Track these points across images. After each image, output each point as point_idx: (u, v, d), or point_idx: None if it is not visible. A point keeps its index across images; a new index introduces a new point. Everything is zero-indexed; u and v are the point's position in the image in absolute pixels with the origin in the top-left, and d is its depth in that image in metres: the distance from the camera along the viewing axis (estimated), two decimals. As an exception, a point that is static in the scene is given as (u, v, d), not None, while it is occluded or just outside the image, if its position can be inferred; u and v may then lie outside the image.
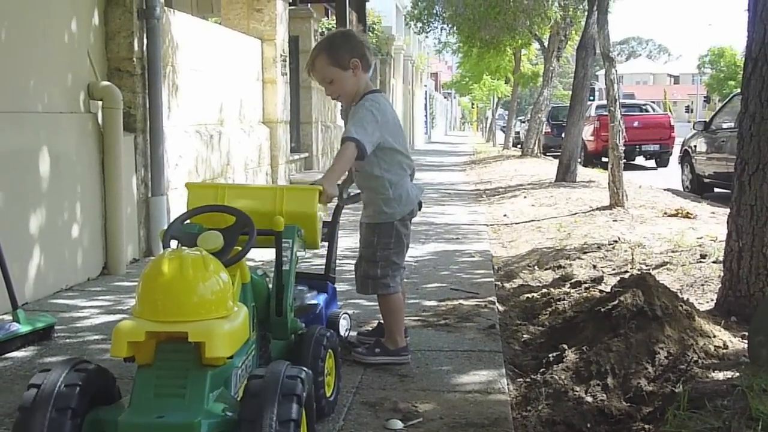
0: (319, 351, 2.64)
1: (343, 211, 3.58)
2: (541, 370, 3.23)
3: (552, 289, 4.64)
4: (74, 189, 4.92)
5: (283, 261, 2.68)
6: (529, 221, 8.24)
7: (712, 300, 4.20)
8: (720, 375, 2.87)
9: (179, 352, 2.04)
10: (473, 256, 6.01)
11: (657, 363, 3.05)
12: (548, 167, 15.26)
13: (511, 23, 18.65)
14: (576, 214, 8.44)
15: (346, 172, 3.22)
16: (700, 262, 5.16)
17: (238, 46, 8.41)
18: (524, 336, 3.89)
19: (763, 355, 2.90)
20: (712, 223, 7.14)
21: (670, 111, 41.86)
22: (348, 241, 6.39)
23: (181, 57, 6.37)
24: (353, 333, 3.62)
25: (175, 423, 1.92)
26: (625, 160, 8.87)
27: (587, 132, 17.81)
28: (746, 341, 3.15)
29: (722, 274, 4.06)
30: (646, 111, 21.16)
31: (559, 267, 5.41)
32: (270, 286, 2.71)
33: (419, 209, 3.38)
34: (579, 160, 13.67)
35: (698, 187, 12.46)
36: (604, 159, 12.55)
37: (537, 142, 20.56)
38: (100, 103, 5.19)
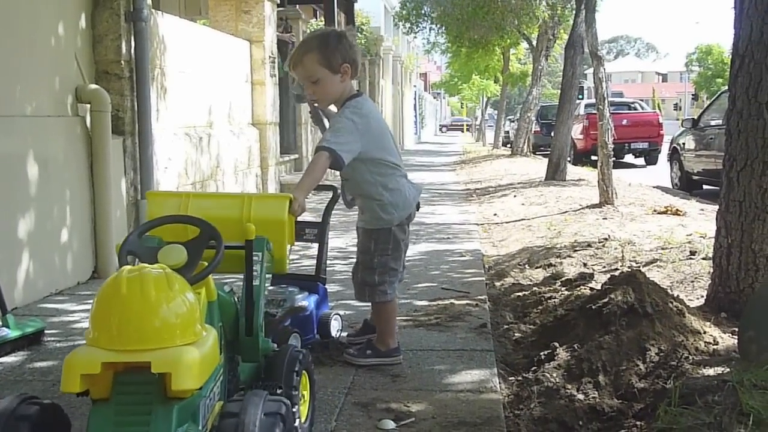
0: (292, 373, 2.39)
1: (333, 211, 3.59)
2: (533, 368, 3.23)
3: (543, 288, 4.64)
4: (63, 193, 4.89)
5: (252, 275, 2.42)
6: (519, 220, 8.26)
7: (702, 296, 4.21)
8: (711, 371, 2.88)
9: (140, 384, 1.80)
10: (464, 255, 6.02)
11: (648, 360, 3.06)
12: (538, 166, 15.30)
13: (499, 23, 18.71)
14: (566, 212, 8.45)
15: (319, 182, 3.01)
16: (690, 258, 5.19)
17: (227, 48, 8.39)
18: (515, 335, 3.90)
19: (752, 350, 2.91)
20: (701, 220, 7.17)
21: (659, 109, 41.99)
22: (338, 242, 6.39)
23: (170, 59, 6.35)
24: (344, 333, 3.62)
25: None
26: (614, 158, 8.90)
27: (576, 130, 17.87)
28: (736, 337, 3.17)
29: (712, 270, 4.08)
30: (635, 109, 21.26)
31: (550, 265, 5.42)
32: (238, 303, 2.46)
33: (417, 210, 3.30)
34: (568, 158, 13.70)
35: (687, 185, 12.52)
36: (594, 157, 12.57)
37: (526, 141, 20.60)
38: (88, 106, 5.17)
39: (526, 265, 5.67)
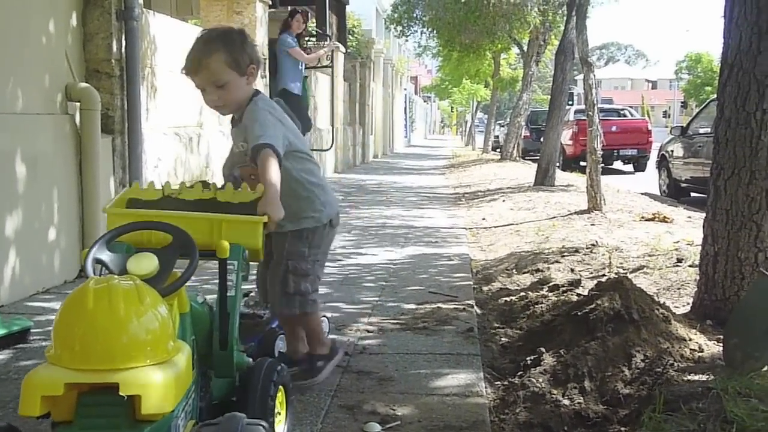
0: (268, 389, 2.27)
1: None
2: (519, 373, 3.24)
3: (530, 293, 4.66)
4: (51, 191, 4.87)
5: (226, 288, 2.24)
6: (507, 225, 8.27)
7: (688, 303, 4.23)
8: (695, 378, 2.89)
9: (107, 406, 1.67)
10: (452, 259, 6.03)
11: (633, 366, 3.07)
12: (527, 171, 15.33)
13: (490, 27, 18.76)
14: (554, 217, 8.48)
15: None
16: (677, 266, 5.21)
17: (218, 48, 8.37)
18: (502, 339, 3.91)
19: (737, 358, 2.92)
20: (688, 228, 7.20)
21: (648, 116, 42.20)
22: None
23: (160, 59, 6.34)
24: (332, 336, 3.61)
25: None
26: (603, 165, 8.93)
27: (566, 136, 17.92)
28: (721, 345, 3.18)
29: (698, 277, 4.10)
30: (624, 116, 21.36)
31: (537, 270, 5.43)
32: (211, 313, 2.33)
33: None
34: (557, 164, 13.74)
35: (675, 192, 12.58)
36: (583, 163, 12.63)
37: (516, 146, 20.65)
38: (77, 104, 5.15)
39: (514, 270, 5.69)
